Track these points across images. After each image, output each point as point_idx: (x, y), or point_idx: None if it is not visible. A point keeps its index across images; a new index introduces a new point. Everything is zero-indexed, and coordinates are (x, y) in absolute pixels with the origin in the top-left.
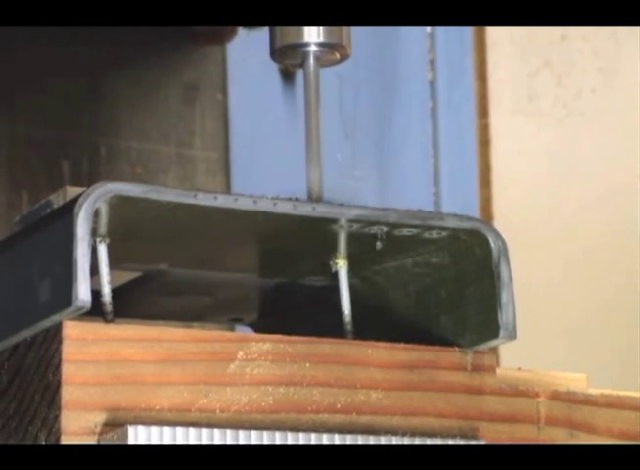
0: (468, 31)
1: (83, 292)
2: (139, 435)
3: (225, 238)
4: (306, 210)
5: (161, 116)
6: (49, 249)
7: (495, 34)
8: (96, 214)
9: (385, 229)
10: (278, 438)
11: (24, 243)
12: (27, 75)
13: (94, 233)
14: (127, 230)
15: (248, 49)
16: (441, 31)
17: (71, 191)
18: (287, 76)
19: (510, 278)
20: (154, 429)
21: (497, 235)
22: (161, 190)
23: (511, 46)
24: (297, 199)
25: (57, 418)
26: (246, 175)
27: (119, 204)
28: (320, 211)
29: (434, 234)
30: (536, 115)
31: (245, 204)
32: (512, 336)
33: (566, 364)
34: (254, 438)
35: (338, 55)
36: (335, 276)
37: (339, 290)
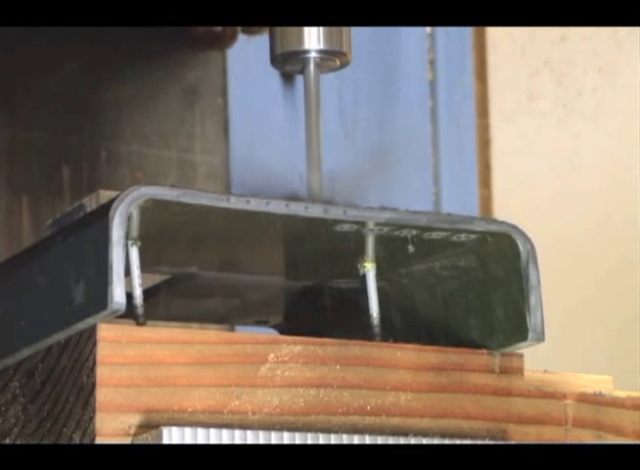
0: (468, 31)
1: (118, 295)
2: (173, 436)
3: (254, 241)
4: (337, 213)
5: (162, 120)
6: (84, 252)
7: (495, 34)
8: (129, 218)
9: (414, 232)
10: (310, 439)
11: (59, 246)
12: (27, 79)
13: (126, 236)
14: (158, 233)
15: (248, 53)
16: (441, 31)
17: (104, 195)
18: (287, 80)
19: (538, 281)
20: (187, 430)
21: (526, 238)
22: (195, 194)
23: (511, 46)
24: (328, 202)
25: (91, 420)
26: (246, 179)
27: (152, 207)
28: (351, 214)
29: (463, 237)
30: (536, 115)
31: (277, 207)
32: (540, 338)
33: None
34: (286, 439)
35: (338, 62)
36: (362, 279)
37: (366, 292)
